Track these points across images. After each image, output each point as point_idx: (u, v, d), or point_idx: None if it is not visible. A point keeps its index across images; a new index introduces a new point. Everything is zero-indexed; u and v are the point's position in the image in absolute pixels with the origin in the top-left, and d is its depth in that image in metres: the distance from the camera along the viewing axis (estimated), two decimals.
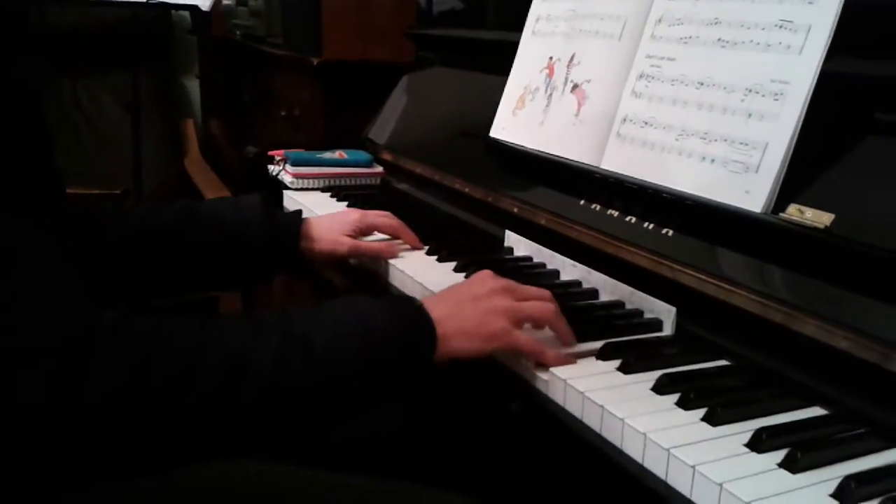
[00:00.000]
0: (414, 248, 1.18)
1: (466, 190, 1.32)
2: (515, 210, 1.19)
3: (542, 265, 1.10)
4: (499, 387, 0.87)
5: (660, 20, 1.00)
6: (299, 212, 1.14)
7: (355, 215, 1.16)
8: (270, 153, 1.61)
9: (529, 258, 1.13)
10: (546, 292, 0.86)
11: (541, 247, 1.12)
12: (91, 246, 0.98)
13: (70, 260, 0.68)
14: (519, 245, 1.16)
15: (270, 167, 1.59)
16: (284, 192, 1.53)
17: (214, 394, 0.66)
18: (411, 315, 0.79)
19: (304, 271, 1.15)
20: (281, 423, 0.71)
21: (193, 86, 3.22)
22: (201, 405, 0.66)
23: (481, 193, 1.28)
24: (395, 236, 1.19)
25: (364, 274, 1.22)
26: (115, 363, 0.63)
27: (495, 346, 0.81)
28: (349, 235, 1.13)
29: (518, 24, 1.29)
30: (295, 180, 1.53)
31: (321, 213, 1.38)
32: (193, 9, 2.13)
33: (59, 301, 0.64)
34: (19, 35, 0.76)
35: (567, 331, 0.84)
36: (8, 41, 0.73)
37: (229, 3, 2.45)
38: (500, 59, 1.32)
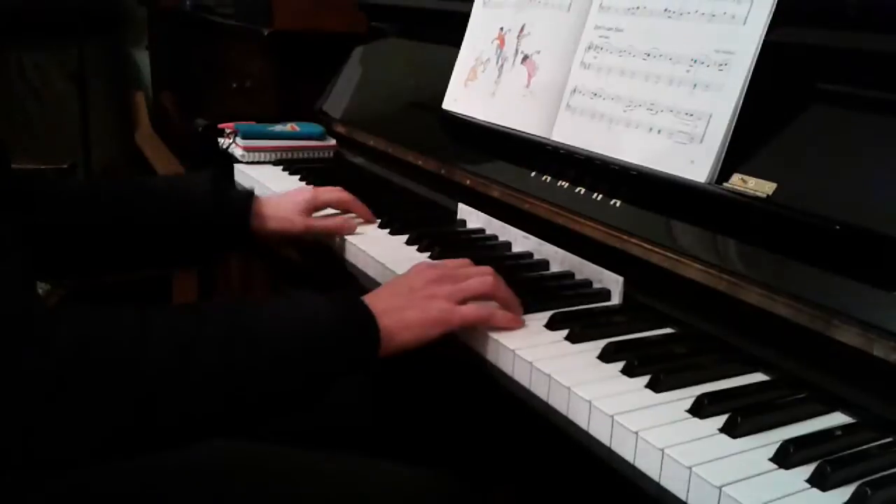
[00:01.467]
0: (367, 222, 1.18)
1: (419, 163, 1.32)
2: (468, 182, 1.19)
3: (495, 237, 1.11)
4: (451, 357, 0.88)
5: None
6: (251, 191, 1.13)
7: (307, 194, 1.14)
8: (220, 126, 1.58)
9: (482, 230, 1.14)
10: (486, 268, 0.86)
11: (492, 219, 1.12)
12: (37, 222, 0.96)
13: (14, 236, 0.66)
14: (471, 217, 1.16)
15: (220, 140, 1.56)
16: (235, 165, 1.51)
17: (158, 379, 0.65)
18: (353, 312, 0.78)
19: (259, 250, 1.14)
20: (225, 413, 0.71)
21: (143, 57, 3.15)
22: (145, 391, 0.65)
23: (434, 166, 1.28)
24: (347, 211, 1.18)
25: (319, 250, 1.21)
26: (53, 348, 0.62)
27: (440, 329, 0.80)
28: (302, 213, 1.12)
29: None
30: (246, 153, 1.51)
31: (273, 186, 1.37)
32: None
33: None
34: None
35: (511, 297, 0.84)
36: None
37: None
38: (453, 31, 1.31)
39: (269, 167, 1.50)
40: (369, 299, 0.80)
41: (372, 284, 1.02)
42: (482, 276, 0.84)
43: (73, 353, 0.62)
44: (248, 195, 1.11)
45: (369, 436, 1.02)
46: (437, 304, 0.80)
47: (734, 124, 0.82)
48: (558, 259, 0.99)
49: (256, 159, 1.52)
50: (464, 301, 0.82)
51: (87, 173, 2.24)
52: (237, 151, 1.52)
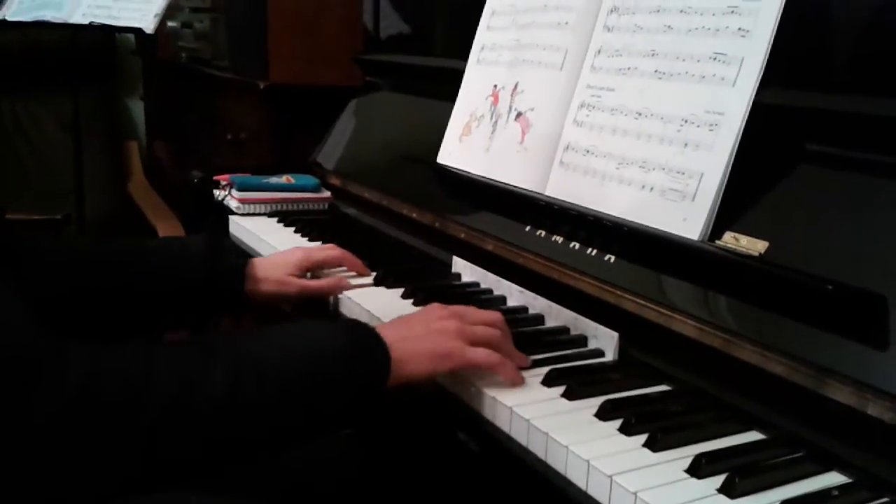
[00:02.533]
0: (361, 276, 1.18)
1: (414, 215, 1.33)
2: (462, 236, 1.20)
3: (490, 291, 1.11)
4: (445, 414, 0.88)
5: (599, 51, 1.02)
6: (244, 258, 1.14)
7: (299, 254, 1.15)
8: (216, 178, 1.60)
9: (477, 284, 1.14)
10: (496, 314, 0.88)
11: (487, 272, 1.13)
12: (28, 278, 0.96)
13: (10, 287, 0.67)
14: (466, 271, 1.17)
15: (216, 192, 1.57)
16: (231, 217, 1.52)
17: (165, 418, 0.66)
18: (365, 338, 0.79)
19: (250, 309, 1.14)
20: (235, 446, 0.71)
21: (138, 107, 3.17)
22: (151, 430, 0.66)
23: (429, 219, 1.29)
24: (341, 266, 1.19)
25: (313, 304, 1.21)
26: (62, 390, 0.63)
27: (449, 365, 0.81)
28: (295, 275, 1.13)
29: (464, 51, 1.30)
30: (241, 205, 1.52)
31: (268, 238, 1.38)
32: (137, 31, 2.11)
33: (6, 326, 0.64)
34: None
35: (516, 352, 0.85)
36: None
37: (175, 25, 2.43)
38: (446, 86, 1.33)
39: (265, 219, 1.51)
40: (381, 328, 0.81)
41: None
42: (493, 327, 0.85)
43: (81, 395, 0.63)
44: (242, 260, 1.12)
45: (355, 491, 1.02)
46: (449, 340, 0.81)
47: (725, 183, 0.84)
48: (553, 314, 0.99)
49: (252, 211, 1.53)
50: (474, 343, 0.82)
51: (80, 224, 2.24)
52: (233, 203, 1.53)
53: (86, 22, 2.14)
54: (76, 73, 2.26)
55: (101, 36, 2.88)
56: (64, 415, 0.62)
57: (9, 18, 2.26)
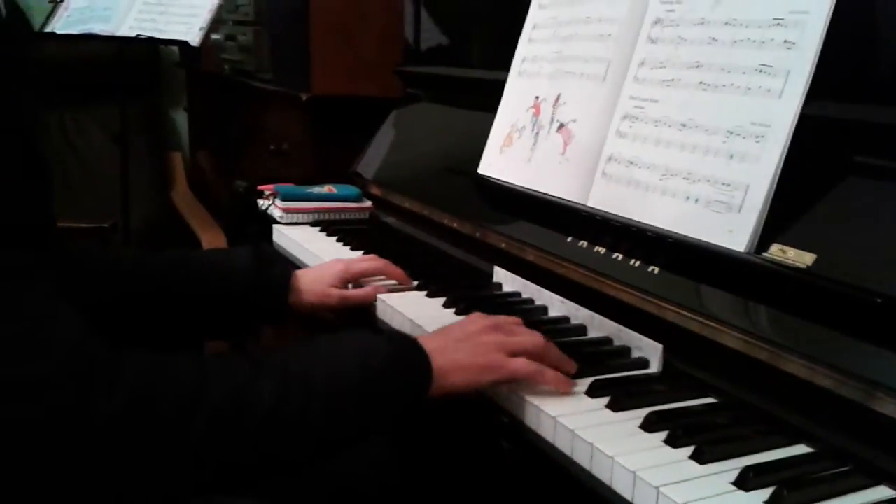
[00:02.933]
0: (403, 285, 1.19)
1: (455, 225, 1.34)
2: (503, 246, 1.21)
3: (531, 301, 1.12)
4: (488, 422, 0.88)
5: (642, 63, 1.02)
6: (288, 269, 1.16)
7: (340, 266, 1.17)
8: (260, 187, 1.62)
9: (518, 294, 1.15)
10: (536, 333, 0.88)
11: (528, 282, 1.13)
12: (77, 285, 0.99)
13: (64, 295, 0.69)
14: (507, 280, 1.18)
15: (260, 201, 1.60)
16: (274, 226, 1.54)
17: (214, 428, 0.68)
18: (408, 349, 0.81)
19: (291, 320, 1.16)
20: (280, 457, 0.73)
21: (181, 118, 3.23)
22: (200, 440, 0.67)
23: (469, 229, 1.30)
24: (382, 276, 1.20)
25: (354, 310, 1.23)
26: (117, 396, 0.64)
27: (491, 377, 0.82)
28: (336, 286, 1.14)
29: (503, 63, 1.31)
30: (285, 215, 1.54)
31: (310, 247, 1.40)
32: (183, 44, 2.15)
33: (64, 333, 0.66)
34: (20, 74, 0.78)
35: (563, 358, 0.85)
36: (10, 81, 0.74)
37: (218, 38, 2.47)
38: (486, 98, 1.35)
39: (308, 228, 1.53)
40: (423, 340, 0.82)
41: None
42: (534, 335, 0.85)
43: (134, 403, 0.65)
44: (286, 272, 1.14)
45: (396, 498, 1.02)
46: (490, 352, 0.82)
47: (772, 195, 0.83)
48: (595, 324, 1.00)
49: (295, 220, 1.55)
50: (515, 354, 0.83)
51: (126, 233, 2.29)
52: (276, 213, 1.55)
53: (133, 35, 2.18)
54: (123, 85, 2.31)
55: (147, 49, 2.95)
56: (116, 422, 0.64)
57: (57, 31, 2.32)
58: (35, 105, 0.81)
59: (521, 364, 0.82)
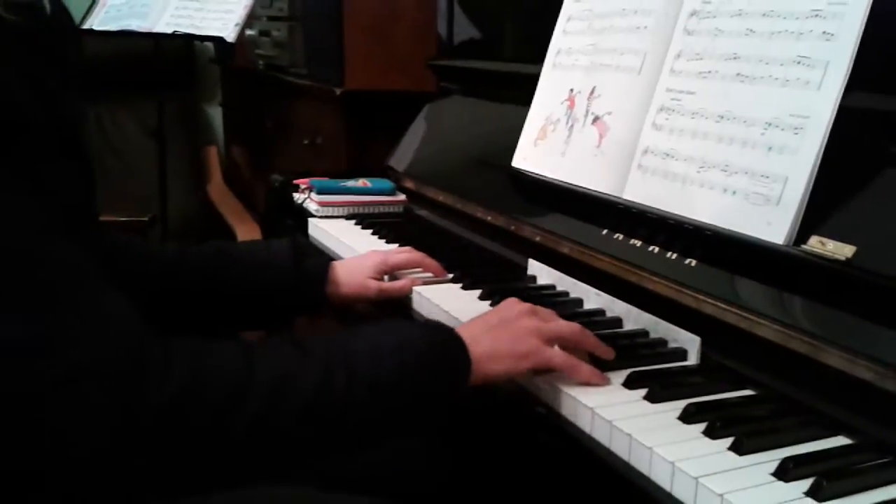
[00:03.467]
0: (438, 278, 1.20)
1: (489, 218, 1.35)
2: (538, 239, 1.21)
3: (566, 293, 1.12)
4: (525, 413, 0.89)
5: (679, 55, 1.02)
6: (326, 259, 1.17)
7: (378, 257, 1.18)
8: (296, 181, 1.64)
9: (553, 286, 1.15)
10: (576, 326, 0.88)
11: (563, 275, 1.14)
12: (121, 276, 1.01)
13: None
14: (542, 273, 1.18)
15: (296, 195, 1.62)
16: (309, 219, 1.56)
17: (261, 415, 0.69)
18: (446, 338, 0.81)
19: (329, 310, 1.18)
20: (323, 445, 0.74)
21: (216, 114, 3.28)
22: (247, 426, 0.68)
23: (503, 222, 1.31)
24: (419, 268, 1.22)
25: (389, 302, 1.24)
26: (169, 383, 0.65)
27: (528, 364, 0.83)
28: (373, 278, 1.16)
29: (537, 56, 1.31)
30: (320, 208, 1.56)
31: (346, 239, 1.41)
32: (218, 40, 2.18)
33: (117, 321, 0.67)
34: (60, 70, 0.80)
35: (600, 344, 0.86)
36: (50, 76, 0.76)
37: (252, 33, 2.50)
38: (519, 91, 1.35)
39: (343, 221, 1.55)
40: (460, 329, 0.83)
41: None
42: (571, 322, 0.86)
43: (185, 392, 0.66)
44: (325, 264, 1.15)
45: (437, 489, 1.04)
46: (529, 340, 0.83)
47: (811, 187, 0.83)
48: (631, 317, 1.00)
49: (330, 214, 1.56)
50: (552, 342, 0.84)
51: (164, 226, 2.33)
52: (312, 206, 1.57)
53: (170, 31, 2.22)
54: (159, 81, 2.34)
55: (183, 45, 2.99)
56: (168, 410, 0.65)
57: (96, 28, 2.36)
58: (79, 98, 0.83)
59: (557, 354, 0.83)
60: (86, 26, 2.32)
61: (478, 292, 1.13)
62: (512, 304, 0.89)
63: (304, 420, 0.71)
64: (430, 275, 1.21)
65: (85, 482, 0.66)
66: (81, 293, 0.66)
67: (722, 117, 0.94)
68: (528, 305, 0.88)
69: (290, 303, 1.11)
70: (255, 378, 0.69)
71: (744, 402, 0.81)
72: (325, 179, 1.63)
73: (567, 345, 0.86)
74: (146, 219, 2.17)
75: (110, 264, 0.98)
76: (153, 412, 0.64)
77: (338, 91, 1.93)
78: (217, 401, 0.67)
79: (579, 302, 1.09)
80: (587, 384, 0.83)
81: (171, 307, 1.06)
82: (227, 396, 0.68)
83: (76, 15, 2.43)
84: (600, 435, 0.77)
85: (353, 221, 1.54)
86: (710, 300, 0.89)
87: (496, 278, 1.20)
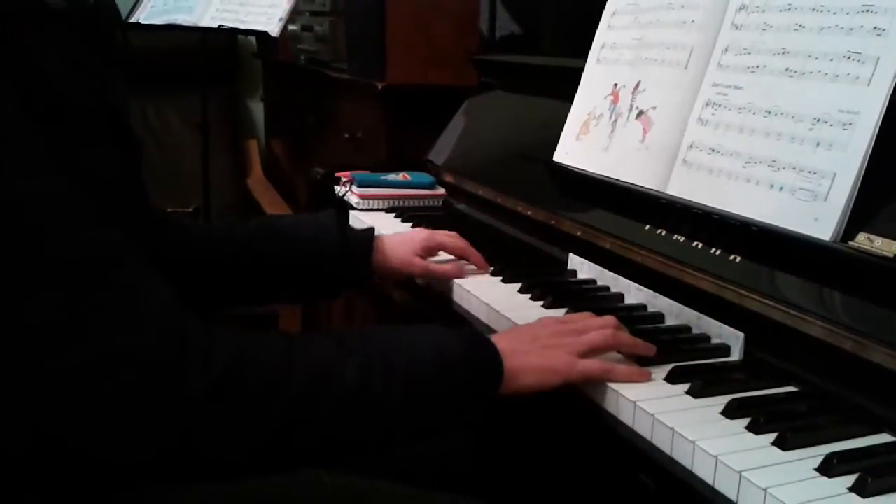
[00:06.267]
0: (480, 270, 1.21)
1: (529, 213, 1.35)
2: (579, 233, 1.21)
3: (606, 288, 1.12)
4: (566, 405, 0.89)
5: (726, 50, 1.02)
6: (371, 229, 1.18)
7: (423, 234, 1.19)
8: (337, 174, 1.66)
9: (593, 281, 1.15)
10: (610, 319, 0.88)
11: (604, 270, 1.14)
12: (174, 257, 1.03)
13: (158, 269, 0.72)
14: (583, 268, 1.18)
15: (337, 188, 1.64)
16: (350, 212, 1.58)
17: (299, 406, 0.69)
18: (482, 347, 0.82)
19: (361, 297, 1.19)
20: (357, 439, 0.74)
21: (257, 108, 3.31)
22: (286, 416, 0.69)
23: (544, 216, 1.31)
24: (461, 257, 1.22)
25: (427, 291, 1.25)
26: (210, 369, 0.66)
27: (559, 380, 0.83)
28: (419, 255, 1.16)
29: (579, 51, 1.31)
30: (361, 201, 1.58)
31: (387, 233, 1.42)
32: (262, 34, 2.21)
33: (158, 306, 0.67)
34: (108, 58, 0.82)
35: (636, 342, 0.86)
36: (98, 64, 0.78)
37: (294, 28, 2.53)
38: (561, 85, 1.35)
39: (383, 214, 1.56)
40: (495, 339, 0.84)
41: (483, 330, 1.05)
42: (603, 329, 0.86)
43: (227, 377, 0.66)
44: (370, 235, 1.16)
45: (470, 476, 1.04)
46: (559, 355, 0.83)
47: (859, 183, 0.82)
48: (673, 313, 1.00)
49: (370, 206, 1.58)
50: (585, 354, 0.84)
51: (206, 218, 2.37)
52: (353, 199, 1.59)
53: (215, 25, 2.25)
54: (204, 74, 2.38)
55: (226, 40, 3.03)
56: (208, 397, 0.65)
57: (142, 21, 2.40)
58: (124, 86, 0.84)
59: (591, 365, 0.83)
60: (132, 20, 2.36)
61: (518, 286, 1.14)
62: (546, 321, 0.89)
63: (341, 414, 0.71)
64: (472, 267, 1.21)
65: (122, 467, 0.67)
66: (120, 276, 0.66)
67: (769, 112, 0.93)
68: (560, 324, 0.88)
69: (338, 273, 1.11)
70: (295, 369, 0.70)
71: (787, 399, 0.80)
72: (366, 173, 1.65)
73: (602, 351, 0.86)
74: (190, 210, 2.21)
75: (160, 238, 1.00)
76: (193, 399, 0.65)
77: (379, 86, 1.94)
78: (257, 390, 0.68)
79: (620, 297, 1.09)
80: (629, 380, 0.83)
81: (219, 280, 1.07)
82: (267, 386, 0.68)
83: (123, 9, 2.48)
84: (642, 428, 0.78)
85: (393, 214, 1.56)
86: (754, 296, 0.88)
87: (537, 272, 1.21)
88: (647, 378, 0.84)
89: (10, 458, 0.66)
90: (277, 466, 0.72)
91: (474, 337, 0.83)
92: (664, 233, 1.05)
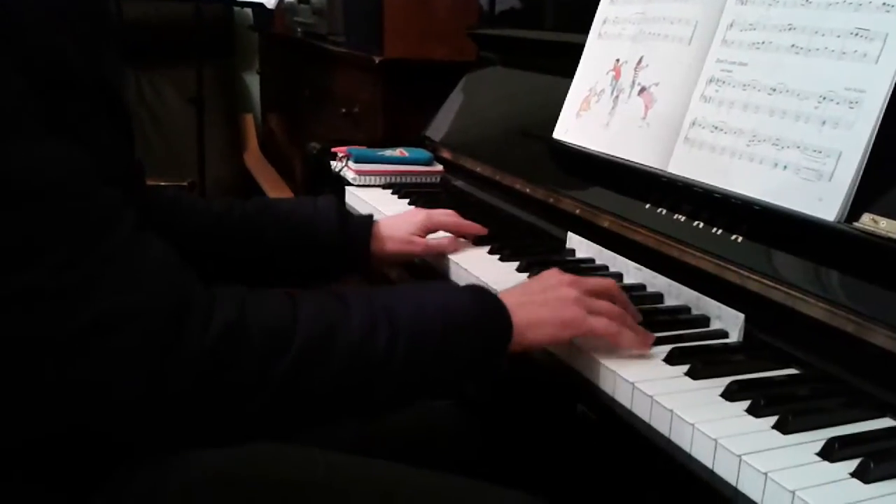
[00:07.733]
0: (477, 246, 1.20)
1: (528, 190, 1.33)
2: (577, 212, 1.20)
3: (605, 267, 1.11)
4: (564, 387, 0.89)
5: (731, 25, 1.00)
6: (370, 216, 1.17)
7: (421, 215, 1.18)
8: (333, 150, 1.64)
9: (592, 260, 1.14)
10: (610, 281, 0.89)
11: (603, 249, 1.12)
12: (168, 231, 1.01)
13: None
14: (581, 247, 1.17)
15: (333, 163, 1.62)
16: (346, 188, 1.56)
17: (305, 361, 0.68)
18: (489, 303, 0.81)
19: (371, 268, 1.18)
20: (363, 396, 0.73)
21: (253, 81, 3.28)
22: (289, 373, 0.68)
23: (543, 194, 1.29)
24: (460, 236, 1.21)
25: (424, 269, 1.24)
26: (212, 327, 0.65)
27: (569, 333, 0.82)
28: (417, 235, 1.15)
29: (579, 25, 1.29)
30: (357, 177, 1.56)
31: (383, 208, 1.41)
32: (258, 6, 2.17)
33: (158, 265, 0.67)
34: (103, 30, 0.80)
35: (640, 329, 0.85)
36: (94, 36, 0.76)
37: (291, 1, 2.49)
38: (561, 61, 1.33)
39: (379, 190, 1.55)
40: (502, 295, 0.82)
41: None
42: (607, 291, 0.86)
43: (229, 333, 0.66)
44: (369, 219, 1.15)
45: (472, 461, 1.03)
46: (569, 308, 0.82)
47: (865, 163, 0.81)
48: (672, 293, 0.98)
49: (367, 182, 1.56)
50: (593, 310, 0.83)
51: (201, 191, 2.34)
52: (349, 174, 1.57)
53: None
54: (198, 47, 2.34)
55: (222, 12, 2.99)
56: (210, 353, 0.65)
57: None
58: (117, 57, 0.82)
59: (599, 321, 0.82)
60: None
61: (515, 264, 1.12)
62: (552, 273, 0.88)
63: (345, 371, 0.70)
64: (469, 243, 1.20)
65: (126, 426, 0.66)
66: (120, 236, 0.65)
67: (774, 90, 0.91)
68: (568, 276, 0.87)
69: (336, 258, 1.10)
70: (298, 325, 0.69)
71: (788, 381, 0.79)
72: (363, 148, 1.63)
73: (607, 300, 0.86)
74: (185, 184, 2.18)
75: (156, 216, 0.99)
76: (195, 356, 0.64)
77: (376, 59, 1.91)
78: (260, 346, 0.67)
79: (619, 276, 1.08)
80: (629, 355, 0.82)
81: (215, 261, 1.06)
82: (270, 342, 0.67)
83: None
84: (640, 410, 0.77)
85: (390, 191, 1.54)
86: (755, 276, 0.87)
87: (534, 251, 1.19)
88: (648, 348, 0.83)
89: (7, 431, 0.65)
90: (283, 426, 0.71)
91: (482, 293, 0.82)
92: (665, 212, 1.04)
